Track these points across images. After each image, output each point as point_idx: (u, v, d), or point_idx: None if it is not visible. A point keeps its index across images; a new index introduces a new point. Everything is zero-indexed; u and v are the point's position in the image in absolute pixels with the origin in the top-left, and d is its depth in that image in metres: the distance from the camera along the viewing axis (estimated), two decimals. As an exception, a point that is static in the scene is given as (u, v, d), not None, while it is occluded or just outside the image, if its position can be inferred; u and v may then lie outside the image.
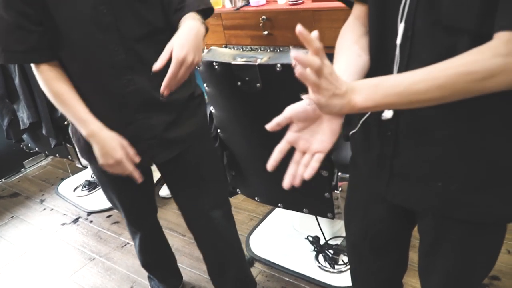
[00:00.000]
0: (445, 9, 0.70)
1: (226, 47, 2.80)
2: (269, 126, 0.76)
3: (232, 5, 2.69)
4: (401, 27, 0.76)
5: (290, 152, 0.78)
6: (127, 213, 1.53)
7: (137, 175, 1.21)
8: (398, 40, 0.77)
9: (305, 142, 0.77)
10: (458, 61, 0.64)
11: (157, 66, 0.99)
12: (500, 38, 0.63)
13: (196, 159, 1.37)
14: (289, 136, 0.77)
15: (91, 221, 2.51)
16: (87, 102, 1.17)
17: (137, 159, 1.21)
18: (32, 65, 1.15)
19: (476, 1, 0.66)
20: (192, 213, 1.49)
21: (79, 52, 1.12)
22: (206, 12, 1.18)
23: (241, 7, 2.63)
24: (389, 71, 0.81)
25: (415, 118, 0.81)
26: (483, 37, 0.65)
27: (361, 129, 0.95)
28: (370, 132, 0.92)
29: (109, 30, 1.10)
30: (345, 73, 0.80)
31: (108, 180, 1.39)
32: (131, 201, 1.48)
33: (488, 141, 0.77)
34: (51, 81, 1.14)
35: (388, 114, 0.81)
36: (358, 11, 0.92)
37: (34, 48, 1.11)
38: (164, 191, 2.58)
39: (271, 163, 0.76)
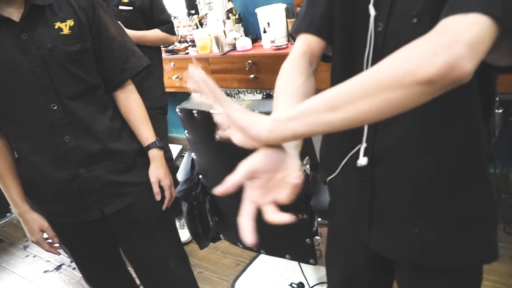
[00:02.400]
0: None
1: (214, 90, 2.85)
2: (220, 192, 0.62)
3: (219, 50, 2.76)
4: None
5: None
6: (82, 270, 1.47)
7: (55, 252, 1.37)
8: None
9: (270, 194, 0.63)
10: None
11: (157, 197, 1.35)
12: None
13: (145, 212, 1.36)
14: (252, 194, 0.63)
15: (74, 268, 2.45)
16: (31, 162, 1.21)
17: (56, 240, 1.32)
18: None
19: None
20: (141, 266, 1.44)
21: (20, 114, 1.15)
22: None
23: (227, 51, 2.69)
24: None
25: (390, 164, 0.82)
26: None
27: (340, 175, 0.95)
28: (349, 177, 0.92)
29: (47, 91, 1.14)
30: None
31: (58, 231, 1.33)
32: (84, 256, 1.42)
33: (457, 186, 0.78)
34: None
35: (362, 161, 0.82)
36: (310, 45, 0.86)
37: None
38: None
39: (250, 233, 0.60)
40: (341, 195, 0.99)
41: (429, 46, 0.52)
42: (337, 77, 0.88)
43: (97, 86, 1.24)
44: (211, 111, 1.33)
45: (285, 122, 0.60)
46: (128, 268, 1.54)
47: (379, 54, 0.76)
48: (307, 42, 0.87)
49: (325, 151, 1.01)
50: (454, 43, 0.51)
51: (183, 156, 3.60)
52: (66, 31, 1.14)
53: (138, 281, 1.54)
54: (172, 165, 2.37)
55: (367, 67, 0.78)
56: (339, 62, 0.87)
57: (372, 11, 0.75)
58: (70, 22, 1.15)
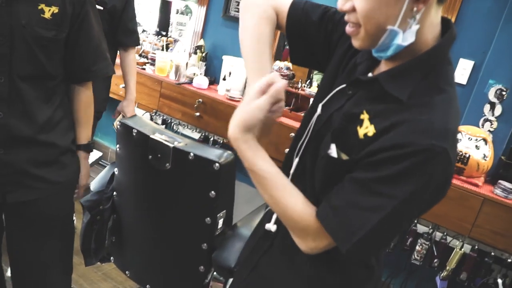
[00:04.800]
0: (316, 176, 0.84)
1: (156, 112, 2.84)
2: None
3: (175, 78, 2.79)
4: (295, 161, 0.88)
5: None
6: None
7: None
8: (292, 170, 0.89)
9: None
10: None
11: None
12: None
13: (49, 212, 1.31)
14: None
15: None
16: None
17: None
18: None
19: (319, 179, 0.81)
20: (22, 267, 1.35)
21: None
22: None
23: (183, 83, 2.73)
24: None
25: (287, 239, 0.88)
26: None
27: (252, 236, 1.05)
28: (255, 238, 1.01)
29: (1, 61, 1.11)
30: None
31: None
32: None
33: None
34: None
35: (272, 227, 0.89)
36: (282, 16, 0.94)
37: None
38: None
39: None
40: (243, 255, 1.08)
41: (309, 228, 0.77)
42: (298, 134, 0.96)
43: (54, 76, 1.22)
44: (151, 135, 1.34)
45: (246, 148, 0.77)
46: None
47: (309, 143, 0.86)
48: (283, 11, 0.94)
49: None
50: (315, 249, 0.78)
51: (101, 164, 3.45)
52: (47, 15, 1.13)
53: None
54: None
55: (299, 152, 0.88)
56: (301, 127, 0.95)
57: (319, 109, 0.86)
58: (55, 9, 1.14)
